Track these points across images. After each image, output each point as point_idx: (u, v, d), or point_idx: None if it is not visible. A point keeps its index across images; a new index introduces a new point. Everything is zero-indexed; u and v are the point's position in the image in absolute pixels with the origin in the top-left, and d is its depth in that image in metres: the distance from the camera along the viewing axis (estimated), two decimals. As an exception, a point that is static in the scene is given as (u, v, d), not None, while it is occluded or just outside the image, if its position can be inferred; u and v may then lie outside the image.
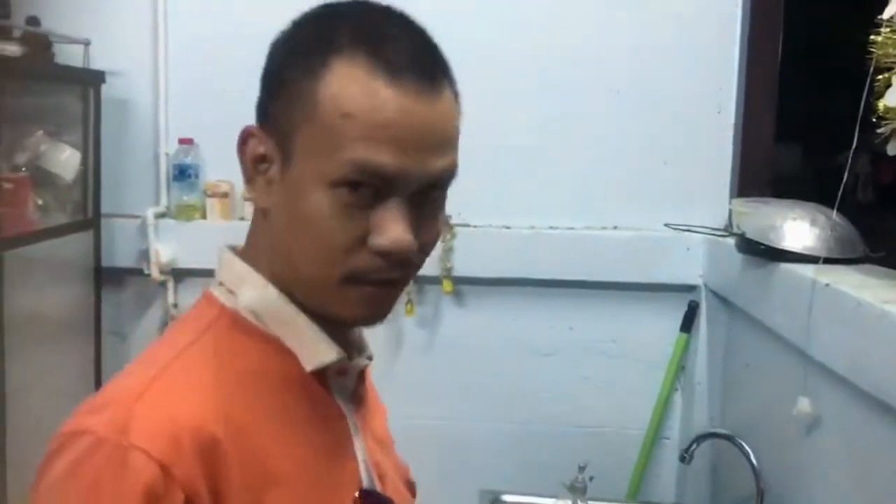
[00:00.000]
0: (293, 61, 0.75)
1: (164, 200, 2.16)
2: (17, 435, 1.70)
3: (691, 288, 2.11)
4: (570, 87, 2.10)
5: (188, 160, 2.11)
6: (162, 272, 2.13)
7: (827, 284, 1.38)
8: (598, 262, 2.07)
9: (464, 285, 2.14)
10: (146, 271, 2.13)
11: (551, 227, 2.11)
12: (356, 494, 0.79)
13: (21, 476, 1.66)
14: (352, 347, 0.84)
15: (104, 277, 2.14)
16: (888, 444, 1.21)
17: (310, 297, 0.77)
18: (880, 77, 1.15)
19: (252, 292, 0.79)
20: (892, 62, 1.11)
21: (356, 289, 0.75)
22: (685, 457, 1.58)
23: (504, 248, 2.10)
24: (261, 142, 0.77)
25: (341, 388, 0.83)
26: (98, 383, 2.09)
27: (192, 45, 2.12)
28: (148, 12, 2.12)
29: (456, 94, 0.78)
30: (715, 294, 2.05)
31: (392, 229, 0.72)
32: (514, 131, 2.10)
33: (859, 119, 1.29)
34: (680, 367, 2.14)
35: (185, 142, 2.11)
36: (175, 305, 2.18)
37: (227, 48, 2.09)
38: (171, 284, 2.16)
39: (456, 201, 0.94)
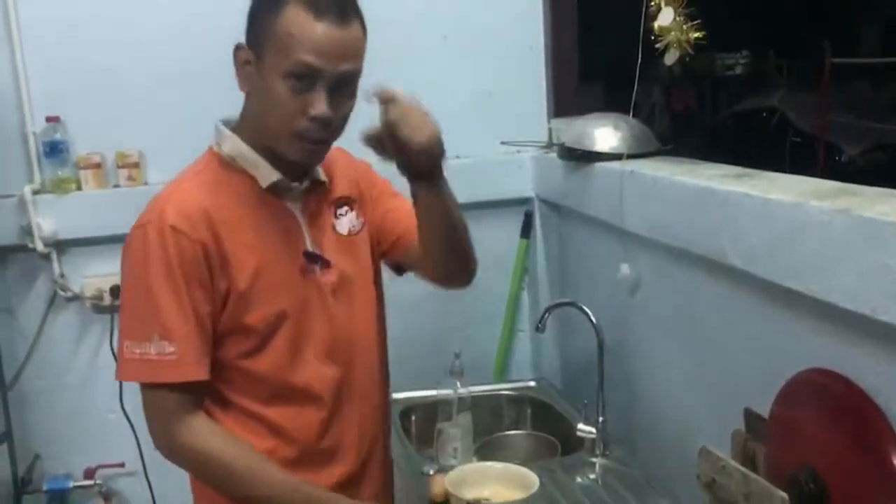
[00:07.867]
0: (263, 4, 1.27)
1: (37, 177, 2.26)
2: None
3: (526, 200, 2.48)
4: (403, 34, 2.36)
5: (57, 136, 2.23)
6: (46, 245, 2.25)
7: (632, 171, 1.78)
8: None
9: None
10: (31, 246, 2.23)
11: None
12: (302, 252, 1.38)
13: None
14: (303, 176, 1.39)
15: (-13, 256, 2.23)
16: (688, 281, 1.62)
17: (274, 146, 1.31)
18: (653, 3, 1.53)
19: (229, 143, 1.36)
20: (660, -9, 1.48)
21: (300, 143, 1.29)
22: (539, 326, 1.93)
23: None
24: (244, 52, 1.29)
25: (293, 199, 1.39)
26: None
27: (46, 23, 2.21)
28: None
29: (363, 25, 1.30)
30: (545, 201, 2.44)
31: (318, 105, 1.25)
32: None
33: (641, 38, 1.67)
34: (524, 269, 2.52)
35: (52, 119, 2.22)
36: (62, 275, 2.30)
37: (81, 24, 2.21)
38: (55, 256, 2.28)
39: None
